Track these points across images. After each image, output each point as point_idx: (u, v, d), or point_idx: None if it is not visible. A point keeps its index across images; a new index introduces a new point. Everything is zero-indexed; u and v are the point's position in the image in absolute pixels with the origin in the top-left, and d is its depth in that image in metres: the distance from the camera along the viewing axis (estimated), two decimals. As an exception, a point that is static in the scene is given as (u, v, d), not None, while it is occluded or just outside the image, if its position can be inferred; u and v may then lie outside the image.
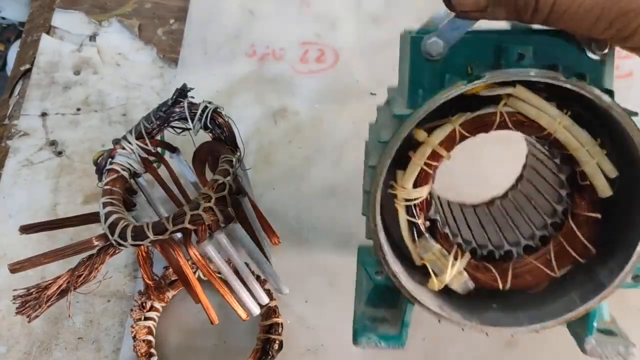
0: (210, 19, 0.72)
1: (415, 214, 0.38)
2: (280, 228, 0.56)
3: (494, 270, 0.40)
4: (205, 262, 0.44)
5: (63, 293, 0.42)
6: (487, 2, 0.29)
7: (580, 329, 0.40)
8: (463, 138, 0.35)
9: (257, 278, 0.48)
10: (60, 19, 0.73)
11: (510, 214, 0.47)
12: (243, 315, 0.45)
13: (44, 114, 0.66)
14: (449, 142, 0.35)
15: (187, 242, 0.42)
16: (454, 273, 0.39)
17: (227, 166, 0.44)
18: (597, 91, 0.32)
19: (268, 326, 0.52)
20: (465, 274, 0.39)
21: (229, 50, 0.70)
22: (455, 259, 0.39)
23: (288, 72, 0.68)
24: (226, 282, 0.45)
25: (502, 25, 0.35)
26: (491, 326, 0.39)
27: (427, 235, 0.39)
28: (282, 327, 0.52)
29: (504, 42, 0.34)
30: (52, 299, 0.42)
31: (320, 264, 0.57)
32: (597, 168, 0.35)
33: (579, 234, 0.38)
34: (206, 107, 0.48)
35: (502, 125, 0.35)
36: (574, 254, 0.38)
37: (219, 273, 0.45)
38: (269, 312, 0.53)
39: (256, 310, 0.46)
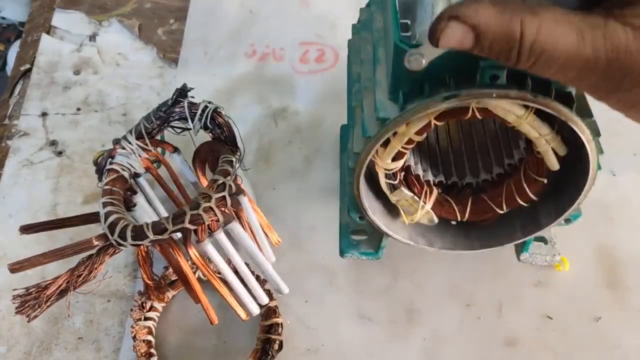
0: (210, 19, 0.72)
1: (392, 177, 0.44)
2: (280, 228, 0.56)
3: (454, 206, 0.48)
4: (205, 262, 0.44)
5: (62, 293, 0.42)
6: (472, 46, 0.28)
7: (519, 245, 0.51)
8: (436, 125, 0.39)
9: (257, 278, 0.48)
10: (60, 19, 0.73)
11: (476, 135, 0.51)
12: (243, 315, 0.45)
13: (44, 114, 0.66)
14: (424, 129, 0.39)
15: (186, 242, 0.42)
16: (423, 213, 0.47)
17: (227, 166, 0.44)
18: (558, 106, 0.36)
19: (268, 326, 0.52)
20: (431, 212, 0.47)
21: (229, 50, 0.70)
22: (425, 202, 0.46)
23: (288, 72, 0.68)
24: (226, 282, 0.45)
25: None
26: (450, 250, 0.50)
27: (401, 187, 0.45)
28: (282, 327, 0.52)
29: (481, 58, 0.35)
30: (51, 299, 0.42)
31: (320, 264, 0.57)
32: (550, 150, 0.40)
33: (527, 189, 0.45)
34: (206, 107, 0.48)
35: (472, 116, 0.38)
36: (520, 201, 0.46)
37: (219, 273, 0.45)
38: (269, 312, 0.53)
39: (256, 311, 0.46)
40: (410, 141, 0.40)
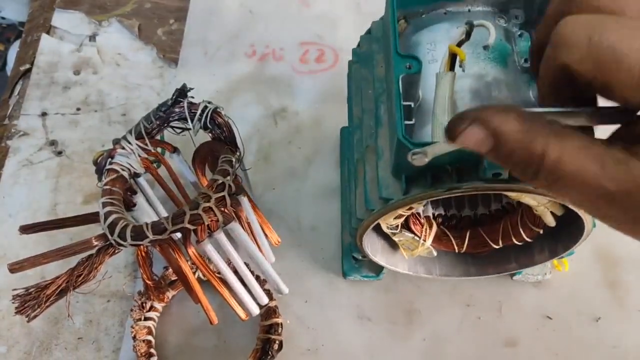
0: (210, 19, 0.72)
1: (394, 227, 0.46)
2: (280, 228, 0.56)
3: (453, 240, 0.50)
4: (205, 262, 0.44)
5: (62, 293, 0.42)
6: (488, 152, 0.28)
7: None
8: (437, 198, 0.40)
9: (257, 278, 0.48)
10: (60, 19, 0.73)
11: None
12: (242, 315, 0.45)
13: (43, 114, 0.66)
14: (424, 199, 0.40)
15: (186, 242, 0.42)
16: (423, 249, 0.49)
17: (227, 166, 0.44)
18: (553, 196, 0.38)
19: (268, 326, 0.52)
20: (431, 247, 0.49)
21: (229, 50, 0.70)
22: (425, 240, 0.48)
23: (288, 72, 0.68)
24: (226, 282, 0.45)
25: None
26: (447, 276, 0.53)
27: (402, 231, 0.47)
28: (282, 327, 0.52)
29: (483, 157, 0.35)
30: (51, 299, 0.42)
31: (320, 264, 0.57)
32: (549, 213, 0.43)
33: (522, 233, 0.47)
34: (206, 107, 0.48)
35: (473, 194, 0.39)
36: (515, 241, 0.49)
37: (219, 273, 0.45)
38: (269, 312, 0.53)
39: (256, 311, 0.46)
40: (411, 208, 0.42)
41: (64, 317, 0.55)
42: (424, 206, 0.49)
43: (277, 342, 0.51)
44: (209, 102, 0.48)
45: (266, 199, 0.60)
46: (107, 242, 0.42)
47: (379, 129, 0.43)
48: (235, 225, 0.44)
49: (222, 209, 0.42)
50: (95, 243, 0.42)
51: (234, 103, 0.66)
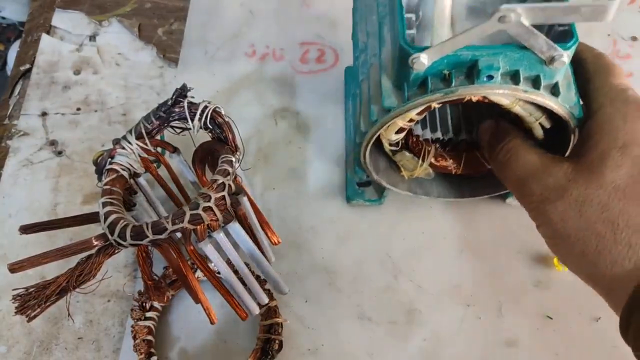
0: (210, 19, 0.72)
1: (395, 144, 0.51)
2: (280, 228, 0.56)
3: (450, 161, 0.54)
4: (205, 262, 0.44)
5: (62, 293, 0.42)
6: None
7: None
8: (435, 107, 0.44)
9: (257, 278, 0.48)
10: (60, 18, 0.73)
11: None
12: (242, 315, 0.45)
13: (43, 114, 0.66)
14: (424, 111, 0.44)
15: (186, 241, 0.42)
16: (422, 170, 0.53)
17: (227, 166, 0.44)
18: (545, 99, 0.41)
19: (268, 326, 0.52)
20: (429, 168, 0.54)
21: (229, 50, 0.70)
22: (424, 160, 0.53)
23: (288, 72, 0.68)
24: (226, 282, 0.45)
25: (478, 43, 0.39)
26: (443, 197, 0.57)
27: (403, 150, 0.52)
28: (282, 327, 0.52)
29: (478, 59, 0.40)
30: (51, 299, 0.42)
31: (320, 264, 0.57)
32: (537, 124, 0.46)
33: None
34: (206, 107, 0.48)
35: (469, 101, 0.43)
36: None
37: (219, 273, 0.45)
38: (269, 312, 0.53)
39: (256, 310, 0.46)
40: (411, 120, 0.45)
41: (64, 317, 0.55)
42: (422, 129, 0.53)
43: (277, 342, 0.51)
44: (209, 102, 0.48)
45: (266, 199, 0.60)
46: (107, 242, 0.42)
47: (382, 48, 0.46)
48: (235, 225, 0.44)
49: (222, 208, 0.42)
50: (95, 243, 0.42)
51: (234, 103, 0.66)
